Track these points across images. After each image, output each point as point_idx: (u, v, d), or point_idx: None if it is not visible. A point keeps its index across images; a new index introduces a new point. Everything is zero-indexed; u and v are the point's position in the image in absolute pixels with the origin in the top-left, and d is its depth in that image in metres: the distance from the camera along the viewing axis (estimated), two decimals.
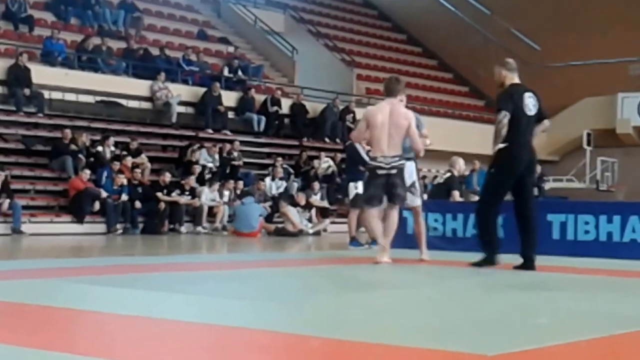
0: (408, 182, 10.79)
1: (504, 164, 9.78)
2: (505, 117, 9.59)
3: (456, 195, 14.76)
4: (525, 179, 10.03)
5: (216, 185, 21.36)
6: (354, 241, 14.05)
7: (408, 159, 10.75)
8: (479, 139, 30.43)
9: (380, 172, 10.09)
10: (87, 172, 19.51)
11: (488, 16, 35.41)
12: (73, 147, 20.32)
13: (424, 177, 23.61)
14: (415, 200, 11.07)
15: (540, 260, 10.44)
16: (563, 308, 6.52)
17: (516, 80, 10.08)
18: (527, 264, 9.85)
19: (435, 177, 23.30)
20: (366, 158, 13.45)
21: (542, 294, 7.59)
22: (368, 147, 13.53)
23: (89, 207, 19.14)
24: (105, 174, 19.82)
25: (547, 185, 30.59)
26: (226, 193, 21.42)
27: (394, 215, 10.24)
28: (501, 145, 9.68)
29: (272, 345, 4.74)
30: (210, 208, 20.94)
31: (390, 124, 10.10)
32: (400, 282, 8.38)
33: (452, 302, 6.93)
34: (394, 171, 10.09)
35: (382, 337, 4.89)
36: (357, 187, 13.62)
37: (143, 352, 4.43)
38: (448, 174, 15.38)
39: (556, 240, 12.78)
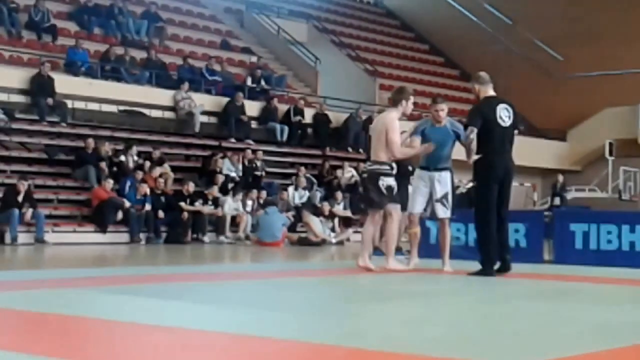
0: (441, 193, 10.88)
1: (483, 173, 10.18)
2: (472, 132, 10.02)
3: None
4: (504, 186, 10.31)
5: (239, 195, 21.39)
6: (376, 251, 14.02)
7: (445, 169, 10.96)
8: None
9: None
10: (110, 181, 19.58)
11: (510, 26, 35.34)
12: (96, 156, 20.40)
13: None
14: (446, 212, 11.01)
15: (563, 269, 10.42)
16: (585, 318, 6.50)
17: (490, 92, 10.35)
18: (504, 266, 10.21)
19: (458, 187, 23.21)
20: None
21: (565, 304, 7.57)
22: None
23: (112, 216, 19.20)
24: (128, 183, 19.89)
25: (570, 195, 30.51)
26: (249, 203, 21.43)
27: (367, 221, 10.59)
28: (476, 157, 10.10)
29: (297, 355, 4.74)
30: (233, 218, 20.98)
31: (373, 131, 10.52)
32: (422, 292, 8.37)
33: (473, 311, 6.92)
34: (364, 175, 10.67)
35: (405, 347, 4.90)
36: None
37: None
38: (471, 184, 15.33)
39: (579, 249, 12.78)
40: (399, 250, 14.01)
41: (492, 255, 10.18)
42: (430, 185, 10.94)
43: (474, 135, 9.94)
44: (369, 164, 10.52)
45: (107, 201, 19.21)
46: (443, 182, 10.93)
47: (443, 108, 11.00)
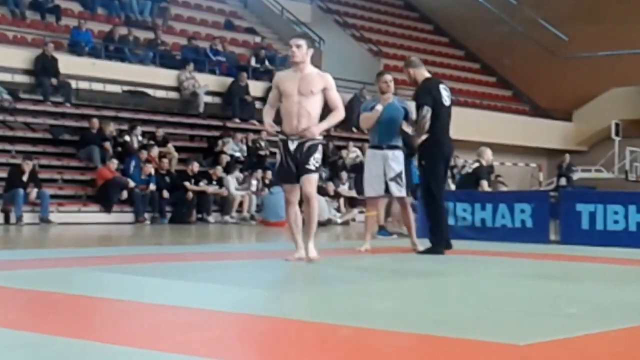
0: (394, 171, 10.63)
1: (431, 151, 10.20)
2: (428, 112, 9.96)
3: (484, 185, 14.69)
4: (448, 164, 10.70)
5: (243, 175, 21.40)
6: (382, 230, 14.03)
7: (397, 147, 10.74)
8: (506, 129, 30.44)
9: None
10: (115, 161, 19.58)
11: (515, 6, 35.23)
12: (100, 136, 20.38)
13: (454, 166, 23.52)
14: (401, 190, 10.74)
15: (569, 250, 10.37)
16: (593, 298, 6.48)
17: (426, 74, 10.43)
18: (448, 244, 10.39)
19: (464, 167, 23.20)
20: None
21: (571, 284, 7.54)
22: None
23: (117, 196, 19.21)
24: (132, 163, 19.88)
25: (576, 176, 30.51)
26: (254, 182, 21.42)
27: (309, 202, 9.08)
28: (424, 137, 10.12)
29: (302, 334, 4.72)
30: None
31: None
32: (429, 272, 8.34)
33: (481, 291, 6.90)
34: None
35: (412, 326, 4.87)
36: None
37: (173, 340, 4.42)
38: (476, 164, 15.32)
39: (585, 230, 12.74)
40: (383, 229, 14.05)
41: (445, 233, 10.36)
42: (384, 163, 10.68)
43: (429, 115, 9.96)
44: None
45: (111, 180, 19.21)
46: (396, 160, 10.66)
47: (390, 79, 10.88)
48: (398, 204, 11.24)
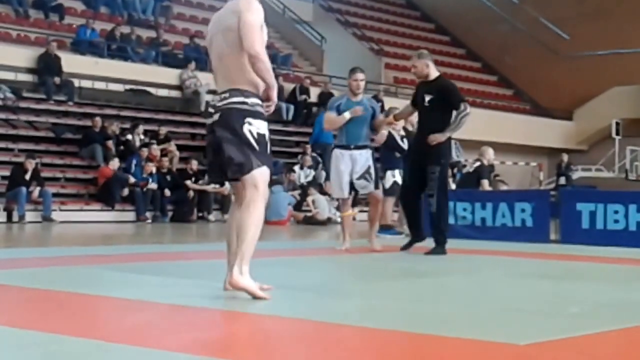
0: (362, 169, 10.32)
1: (448, 152, 10.35)
2: (468, 108, 9.98)
3: (485, 185, 14.72)
4: None
5: None
6: (391, 229, 13.95)
7: (365, 147, 10.45)
8: (507, 127, 30.45)
9: (208, 122, 6.03)
10: (117, 160, 19.62)
11: (516, 5, 35.24)
12: (103, 135, 20.43)
13: (456, 164, 23.53)
14: (369, 186, 10.43)
15: (569, 249, 10.39)
16: (594, 297, 6.51)
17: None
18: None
19: (464, 165, 23.21)
20: (402, 144, 13.47)
21: (572, 284, 7.58)
22: (402, 131, 13.58)
23: (119, 192, 19.26)
24: (134, 162, 19.92)
25: (576, 175, 30.53)
26: None
27: (243, 212, 5.75)
28: (446, 135, 9.97)
29: (306, 334, 4.76)
30: None
31: (214, 39, 6.07)
32: (429, 271, 8.37)
33: (482, 291, 6.93)
34: (215, 117, 5.92)
35: (414, 326, 4.91)
36: (394, 175, 13.60)
37: (176, 339, 4.46)
38: (477, 163, 15.34)
39: (585, 229, 12.77)
40: (389, 229, 13.99)
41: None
42: (352, 164, 10.36)
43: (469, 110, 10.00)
44: (226, 95, 5.93)
45: (112, 177, 19.27)
46: (364, 159, 10.34)
47: (362, 78, 10.59)
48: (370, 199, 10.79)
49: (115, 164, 19.51)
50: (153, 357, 4.03)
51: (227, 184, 20.43)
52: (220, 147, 5.76)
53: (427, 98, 9.97)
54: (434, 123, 9.93)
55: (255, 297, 5.63)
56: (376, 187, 10.54)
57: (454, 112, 9.92)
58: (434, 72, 10.16)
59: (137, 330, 4.77)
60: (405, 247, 10.46)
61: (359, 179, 10.33)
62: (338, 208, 21.79)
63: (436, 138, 9.81)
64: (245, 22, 5.71)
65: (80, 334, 4.49)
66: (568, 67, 33.22)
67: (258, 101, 5.87)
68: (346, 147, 10.40)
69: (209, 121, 5.94)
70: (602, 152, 31.91)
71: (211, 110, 5.92)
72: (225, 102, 5.81)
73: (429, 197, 9.97)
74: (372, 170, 10.37)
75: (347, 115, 10.27)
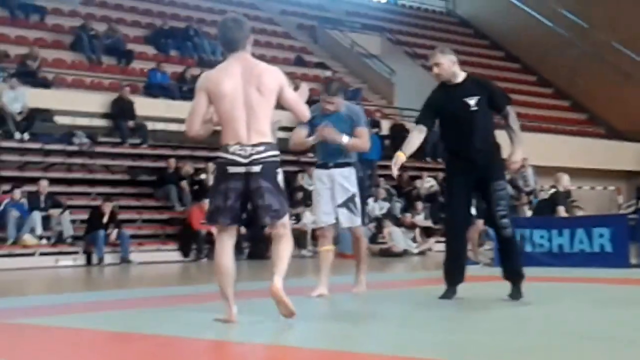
0: (344, 195, 8.70)
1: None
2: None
3: (561, 211, 14.56)
4: None
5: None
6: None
7: (346, 164, 8.80)
8: (582, 152, 30.15)
9: (233, 170, 6.71)
10: (206, 201, 19.57)
11: (586, 29, 34.96)
12: (177, 176, 20.64)
13: (531, 192, 23.32)
14: (352, 218, 8.81)
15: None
16: None
17: None
18: None
19: (533, 189, 23.04)
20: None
21: None
22: None
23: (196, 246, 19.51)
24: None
25: None
26: None
27: (282, 243, 6.85)
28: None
29: None
30: (314, 231, 21.00)
31: (245, 92, 7.01)
32: (508, 301, 8.22)
33: (561, 319, 6.82)
34: (256, 168, 6.64)
35: (493, 357, 4.87)
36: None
37: None
38: (553, 190, 15.19)
39: None
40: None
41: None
42: (332, 185, 8.77)
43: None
44: (262, 148, 6.91)
45: (197, 233, 19.37)
46: (347, 180, 8.71)
47: (334, 101, 8.76)
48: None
49: (205, 204, 19.50)
50: None
51: (305, 221, 20.52)
52: (261, 196, 6.54)
53: (472, 101, 8.24)
54: (485, 131, 8.11)
55: (286, 309, 6.57)
56: (363, 220, 8.97)
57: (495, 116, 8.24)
58: (460, 71, 8.58)
59: None
60: (444, 297, 8.26)
61: (340, 206, 8.71)
62: (414, 240, 21.91)
63: (516, 159, 7.98)
64: (293, 98, 7.35)
65: None
66: None
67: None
68: (323, 166, 8.91)
69: (239, 170, 6.67)
70: None
71: (241, 160, 6.71)
72: (265, 155, 6.71)
73: (500, 219, 7.86)
74: (357, 199, 8.74)
75: (310, 140, 8.97)
